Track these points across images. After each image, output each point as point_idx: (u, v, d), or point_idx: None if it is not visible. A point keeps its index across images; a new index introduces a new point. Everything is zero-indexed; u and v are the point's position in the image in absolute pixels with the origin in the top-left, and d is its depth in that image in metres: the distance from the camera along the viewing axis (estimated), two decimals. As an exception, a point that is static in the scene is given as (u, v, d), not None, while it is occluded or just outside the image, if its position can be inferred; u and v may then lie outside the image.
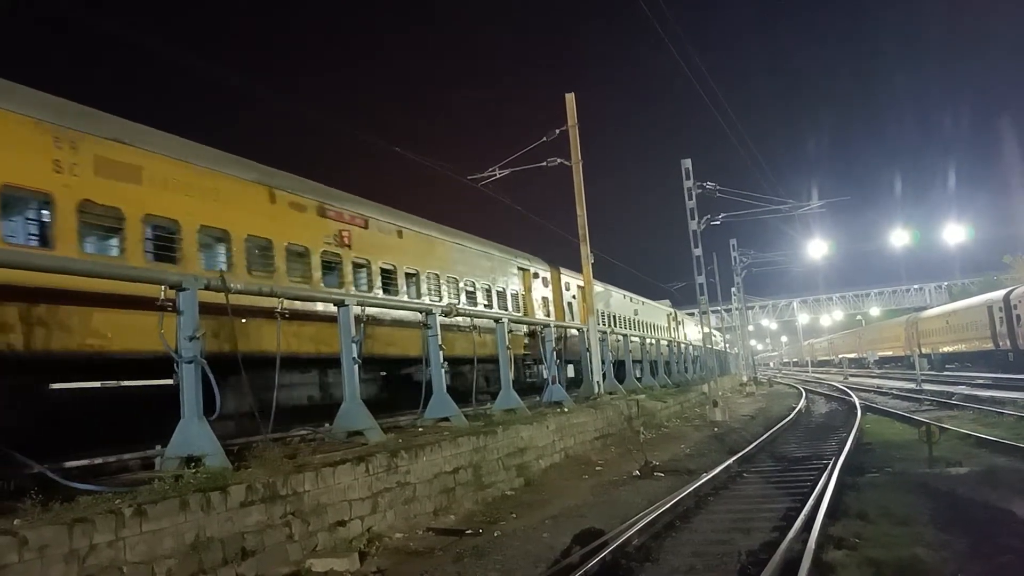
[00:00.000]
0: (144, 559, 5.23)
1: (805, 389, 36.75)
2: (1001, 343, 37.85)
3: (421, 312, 11.87)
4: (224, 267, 10.00)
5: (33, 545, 4.58)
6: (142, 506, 5.33)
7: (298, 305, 10.24)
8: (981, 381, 30.00)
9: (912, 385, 30.07)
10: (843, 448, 12.96)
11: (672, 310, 45.69)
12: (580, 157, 19.58)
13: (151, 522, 5.32)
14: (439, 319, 11.43)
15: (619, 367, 23.90)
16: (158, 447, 7.06)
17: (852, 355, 71.25)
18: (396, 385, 13.98)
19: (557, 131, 19.46)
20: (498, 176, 20.50)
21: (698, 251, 26.86)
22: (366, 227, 13.73)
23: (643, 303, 37.16)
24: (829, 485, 9.32)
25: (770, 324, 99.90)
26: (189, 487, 5.94)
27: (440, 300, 15.43)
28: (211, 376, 6.99)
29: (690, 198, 26.56)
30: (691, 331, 50.64)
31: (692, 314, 50.70)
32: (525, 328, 19.25)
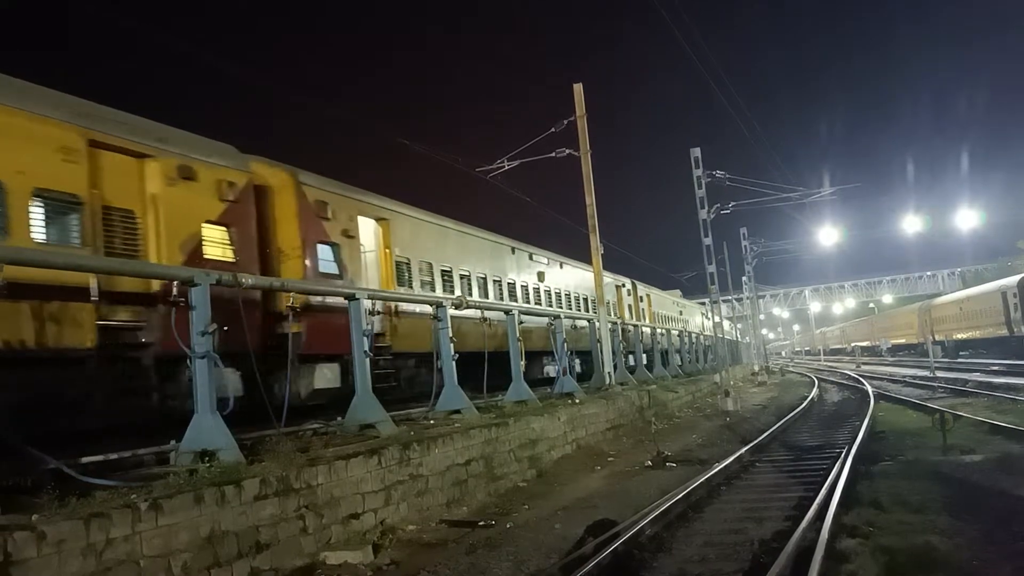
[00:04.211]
0: (160, 553, 5.29)
1: (817, 378, 36.59)
2: (1015, 329, 37.55)
3: (431, 305, 11.89)
4: None
5: (51, 540, 4.63)
6: (157, 500, 5.38)
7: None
8: (995, 368, 29.80)
9: (925, 373, 29.87)
10: (856, 436, 12.91)
11: (628, 280, 32.61)
12: (588, 147, 19.59)
13: (167, 516, 5.37)
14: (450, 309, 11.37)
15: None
16: (172, 442, 7.11)
17: (865, 343, 70.86)
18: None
19: (565, 122, 19.48)
20: (507, 168, 20.54)
21: (708, 240, 26.78)
22: None
23: (559, 265, 24.35)
24: (842, 474, 9.30)
25: (782, 313, 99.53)
26: (204, 481, 5.99)
27: None
28: (223, 370, 7.04)
29: (700, 187, 26.48)
30: (672, 313, 42.06)
31: (703, 303, 50.49)
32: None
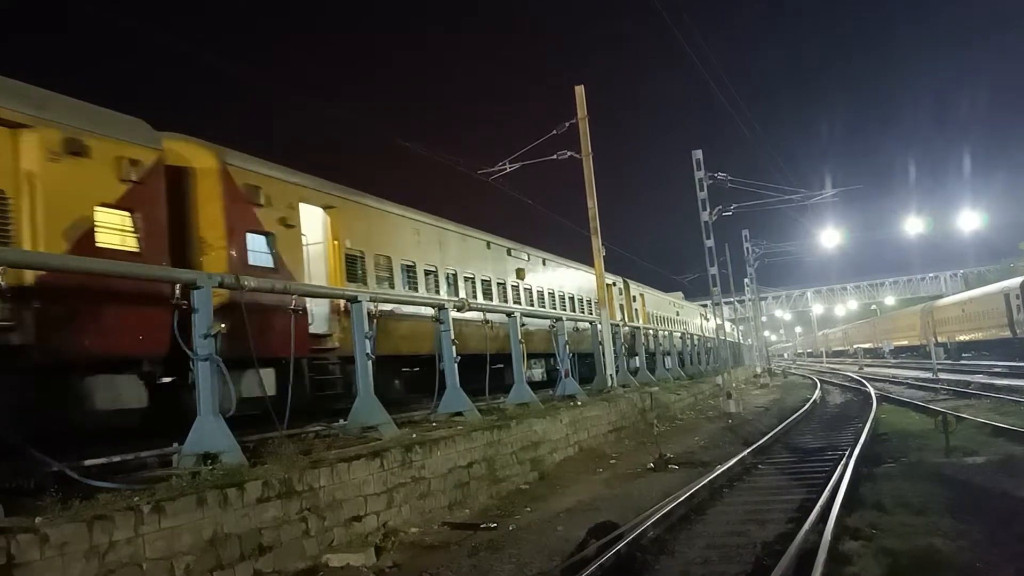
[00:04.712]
0: (163, 555, 5.30)
1: (820, 380, 36.55)
2: (1018, 331, 37.52)
3: (434, 307, 11.91)
4: None
5: (54, 542, 4.64)
6: (160, 503, 5.39)
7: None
8: (998, 369, 29.75)
9: (928, 374, 29.83)
10: (859, 438, 12.89)
11: (620, 279, 30.10)
12: (590, 149, 19.60)
13: (169, 519, 5.38)
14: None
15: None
16: (175, 444, 7.12)
17: (867, 345, 70.86)
18: None
19: (567, 124, 19.48)
20: (508, 170, 20.56)
21: (710, 242, 26.80)
22: None
23: (541, 262, 22.03)
24: (845, 476, 9.29)
25: (784, 315, 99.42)
26: (206, 484, 6.00)
27: None
28: (226, 373, 7.05)
29: (701, 189, 26.50)
30: (669, 314, 40.00)
31: (705, 305, 50.45)
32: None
